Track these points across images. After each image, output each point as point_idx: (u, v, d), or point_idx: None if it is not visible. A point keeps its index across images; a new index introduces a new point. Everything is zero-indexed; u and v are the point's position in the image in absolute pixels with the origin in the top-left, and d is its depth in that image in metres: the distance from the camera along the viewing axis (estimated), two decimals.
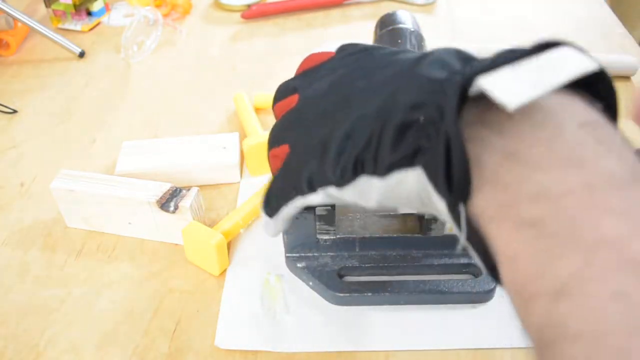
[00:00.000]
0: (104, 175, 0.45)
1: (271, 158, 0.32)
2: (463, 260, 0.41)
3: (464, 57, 0.23)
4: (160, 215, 0.43)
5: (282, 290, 0.41)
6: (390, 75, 0.26)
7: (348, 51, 0.31)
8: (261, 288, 0.41)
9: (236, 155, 0.50)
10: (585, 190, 0.18)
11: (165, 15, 0.78)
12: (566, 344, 0.16)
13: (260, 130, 0.53)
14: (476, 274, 0.41)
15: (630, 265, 0.16)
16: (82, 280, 0.42)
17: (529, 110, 0.20)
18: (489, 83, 0.19)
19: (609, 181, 0.18)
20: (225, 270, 0.42)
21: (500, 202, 0.19)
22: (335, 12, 0.77)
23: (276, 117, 0.33)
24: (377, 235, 0.41)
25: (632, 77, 0.61)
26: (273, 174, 0.32)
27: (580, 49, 0.20)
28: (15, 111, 0.62)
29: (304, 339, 0.38)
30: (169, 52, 0.72)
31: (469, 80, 0.20)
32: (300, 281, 0.41)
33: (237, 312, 0.39)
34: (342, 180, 0.25)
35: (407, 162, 0.22)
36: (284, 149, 0.30)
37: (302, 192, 0.28)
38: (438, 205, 0.22)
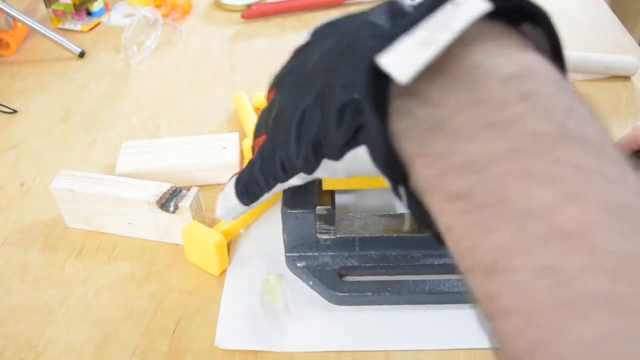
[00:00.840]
0: (104, 175, 0.45)
1: (255, 147, 0.32)
2: None
3: (396, 13, 0.22)
4: (160, 215, 0.43)
5: (282, 290, 0.41)
6: (331, 50, 0.25)
7: (316, 32, 0.31)
8: (261, 288, 0.41)
9: (236, 155, 0.50)
10: (510, 157, 0.17)
11: (165, 15, 0.78)
12: (500, 319, 0.16)
13: None
14: None
15: (557, 236, 0.15)
16: (82, 280, 0.42)
17: (449, 69, 0.19)
18: (387, 60, 0.18)
19: (534, 144, 0.17)
20: (225, 270, 0.42)
21: (431, 175, 0.19)
22: (335, 12, 0.77)
23: None
24: (377, 235, 0.41)
25: (632, 77, 0.61)
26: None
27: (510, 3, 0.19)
28: (15, 111, 0.62)
29: (304, 339, 0.38)
30: (169, 52, 0.72)
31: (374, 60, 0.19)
32: (300, 281, 0.41)
33: (237, 312, 0.39)
34: (307, 167, 0.26)
35: (353, 142, 0.22)
36: (262, 139, 0.30)
37: (280, 179, 0.29)
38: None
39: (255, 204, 0.33)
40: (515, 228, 0.16)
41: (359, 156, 0.23)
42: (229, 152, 0.50)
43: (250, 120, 0.54)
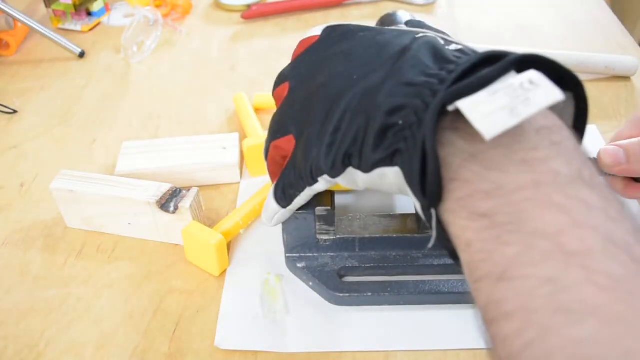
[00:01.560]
0: (104, 176, 0.45)
1: (273, 149, 0.34)
2: None
3: (440, 57, 0.25)
4: (160, 216, 0.43)
5: (282, 290, 0.41)
6: (369, 62, 0.28)
7: (331, 33, 0.32)
8: (261, 288, 0.41)
9: (236, 156, 0.50)
10: (533, 187, 0.20)
11: (165, 15, 0.78)
12: (502, 321, 0.19)
13: (260, 130, 0.53)
14: None
15: (561, 253, 0.18)
16: (82, 280, 0.42)
17: None
18: (467, 108, 0.21)
19: (555, 180, 0.20)
20: (225, 271, 0.42)
21: (460, 196, 0.22)
22: (335, 12, 0.77)
23: (276, 104, 0.36)
24: (377, 236, 0.41)
25: (632, 77, 0.61)
26: (269, 164, 0.35)
27: (553, 66, 0.22)
28: (15, 111, 0.62)
29: (304, 339, 0.38)
30: (169, 52, 0.72)
31: (448, 100, 0.22)
32: (300, 281, 0.41)
33: (237, 312, 0.39)
34: (333, 172, 0.28)
35: (387, 161, 0.25)
36: (288, 139, 0.32)
37: (308, 183, 0.31)
38: (414, 201, 0.24)
39: (294, 206, 0.35)
40: (526, 244, 0.19)
41: (387, 175, 0.26)
42: (229, 152, 0.50)
43: (251, 120, 0.54)
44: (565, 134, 0.22)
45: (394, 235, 0.41)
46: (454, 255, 0.23)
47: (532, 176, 0.20)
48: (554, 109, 0.23)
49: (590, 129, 0.54)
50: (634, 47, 0.67)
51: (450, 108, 0.22)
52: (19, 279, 0.43)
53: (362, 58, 0.28)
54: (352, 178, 0.28)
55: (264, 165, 0.48)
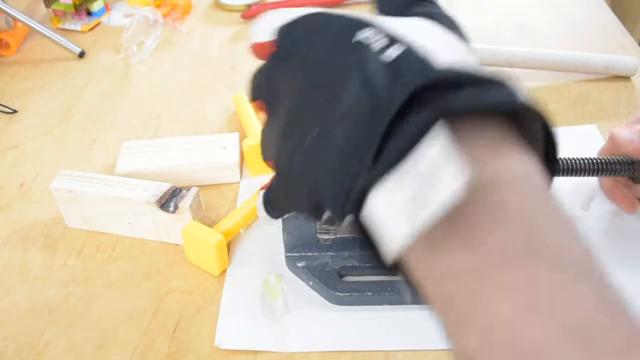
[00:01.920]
0: (104, 175, 0.45)
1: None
2: None
3: (394, 76, 0.20)
4: (160, 215, 0.43)
5: (282, 290, 0.41)
6: (312, 117, 0.23)
7: (281, 50, 0.27)
8: (261, 288, 0.41)
9: (236, 155, 0.50)
10: (482, 269, 0.18)
11: (165, 15, 0.78)
12: None
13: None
14: None
15: (517, 352, 0.17)
16: (82, 280, 0.42)
17: None
18: (380, 204, 0.20)
19: (502, 258, 0.18)
20: (225, 270, 0.42)
21: (419, 278, 0.21)
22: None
23: (255, 112, 0.34)
24: None
25: (632, 77, 0.61)
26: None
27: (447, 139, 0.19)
28: (15, 111, 0.62)
29: (304, 339, 0.38)
30: (169, 52, 0.72)
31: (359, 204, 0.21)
32: (300, 281, 0.41)
33: (237, 312, 0.39)
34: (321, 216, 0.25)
35: (356, 212, 0.22)
36: (270, 164, 0.29)
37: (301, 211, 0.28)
38: None
39: (285, 216, 0.34)
40: (483, 338, 0.18)
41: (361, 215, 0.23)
42: (229, 152, 0.50)
43: (250, 120, 0.54)
44: (511, 186, 0.19)
45: None
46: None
47: (480, 256, 0.18)
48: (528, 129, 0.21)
49: (591, 129, 0.54)
50: (634, 47, 0.67)
51: (366, 212, 0.20)
52: (19, 279, 0.43)
53: (309, 104, 0.24)
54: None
55: (264, 165, 0.48)
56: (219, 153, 0.50)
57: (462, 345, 0.19)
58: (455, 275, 0.19)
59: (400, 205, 0.19)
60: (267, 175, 0.50)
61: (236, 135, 0.52)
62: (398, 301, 0.39)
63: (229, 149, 0.50)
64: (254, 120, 0.54)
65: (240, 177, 0.51)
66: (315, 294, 0.40)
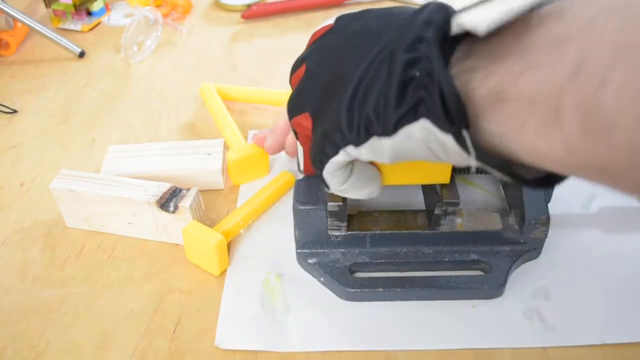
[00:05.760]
0: (104, 176, 0.45)
1: (294, 125, 0.35)
2: (473, 257, 0.41)
3: (450, 13, 0.26)
4: (160, 215, 0.43)
5: (282, 289, 0.41)
6: (382, 32, 0.28)
7: (344, 18, 0.34)
8: (261, 288, 0.41)
9: (219, 162, 0.48)
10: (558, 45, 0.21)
11: (165, 15, 0.78)
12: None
13: (241, 138, 0.52)
14: (486, 270, 0.41)
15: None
16: (82, 280, 0.42)
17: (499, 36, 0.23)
18: (463, 18, 0.23)
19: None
20: (225, 270, 0.42)
21: (491, 90, 0.22)
22: (335, 12, 0.77)
23: (292, 89, 0.37)
24: (388, 232, 0.41)
25: None
26: (296, 135, 0.37)
27: None
28: (15, 111, 0.62)
29: (304, 338, 0.38)
30: (169, 52, 0.72)
31: (447, 21, 0.24)
32: (300, 281, 0.41)
33: (237, 312, 0.39)
34: (357, 140, 0.28)
35: (411, 116, 0.25)
36: (305, 117, 0.33)
37: (330, 155, 0.31)
38: (446, 145, 0.25)
39: (324, 174, 0.34)
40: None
41: (412, 134, 0.25)
42: (213, 158, 0.49)
43: (229, 129, 0.53)
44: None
45: (405, 232, 0.41)
46: (503, 167, 0.24)
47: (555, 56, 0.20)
48: None
49: None
50: None
51: (454, 30, 0.23)
52: (19, 279, 0.43)
53: (376, 30, 0.29)
54: (377, 148, 0.28)
55: (248, 173, 0.49)
56: (203, 159, 0.49)
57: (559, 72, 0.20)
58: (539, 65, 0.21)
59: (492, 8, 0.22)
60: (249, 183, 0.50)
61: (221, 141, 0.51)
62: (409, 297, 0.40)
63: (213, 155, 0.49)
64: (232, 125, 0.53)
65: (224, 184, 0.50)
66: (315, 294, 0.40)
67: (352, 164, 0.33)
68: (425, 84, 0.24)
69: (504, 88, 0.22)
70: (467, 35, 0.24)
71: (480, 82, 0.23)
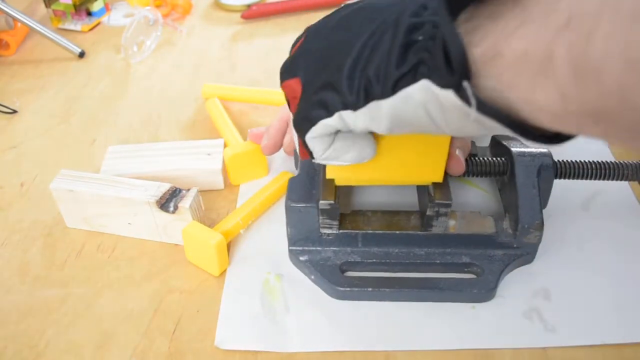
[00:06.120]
0: (104, 176, 0.45)
1: (284, 89, 0.35)
2: (465, 260, 0.41)
3: None
4: (160, 216, 0.43)
5: (282, 290, 0.41)
6: (386, 7, 0.29)
7: (350, 4, 0.34)
8: (261, 288, 0.41)
9: (219, 162, 0.48)
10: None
11: (165, 15, 0.78)
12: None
13: (239, 137, 0.52)
14: (478, 273, 0.41)
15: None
16: (82, 280, 0.42)
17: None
18: None
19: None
20: (225, 271, 0.42)
21: (488, 47, 0.23)
22: None
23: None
24: (380, 232, 0.41)
25: None
26: (288, 102, 0.36)
27: None
28: (15, 111, 0.62)
29: (304, 339, 0.38)
30: (169, 52, 0.72)
31: None
32: (300, 281, 0.41)
33: (237, 312, 0.39)
34: (357, 103, 0.29)
35: (410, 78, 0.26)
36: (295, 81, 0.33)
37: (321, 116, 0.31)
38: (444, 105, 0.25)
39: (308, 139, 0.34)
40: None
41: (411, 96, 0.26)
42: (213, 159, 0.49)
43: (227, 127, 0.53)
44: None
45: (397, 232, 0.41)
46: (503, 119, 0.24)
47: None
48: None
49: None
50: None
51: None
52: (19, 279, 0.43)
53: (381, 5, 0.29)
54: (375, 113, 0.28)
55: (246, 172, 0.49)
56: (203, 159, 0.49)
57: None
58: (534, 19, 0.22)
59: None
60: (248, 183, 0.50)
61: (221, 141, 0.51)
62: (398, 297, 0.39)
63: (213, 155, 0.49)
64: (231, 127, 0.54)
65: (224, 184, 0.50)
66: (315, 294, 0.40)
67: (335, 133, 0.33)
68: (428, 47, 0.25)
69: (499, 44, 0.23)
70: (471, 2, 0.25)
71: (480, 41, 0.23)
